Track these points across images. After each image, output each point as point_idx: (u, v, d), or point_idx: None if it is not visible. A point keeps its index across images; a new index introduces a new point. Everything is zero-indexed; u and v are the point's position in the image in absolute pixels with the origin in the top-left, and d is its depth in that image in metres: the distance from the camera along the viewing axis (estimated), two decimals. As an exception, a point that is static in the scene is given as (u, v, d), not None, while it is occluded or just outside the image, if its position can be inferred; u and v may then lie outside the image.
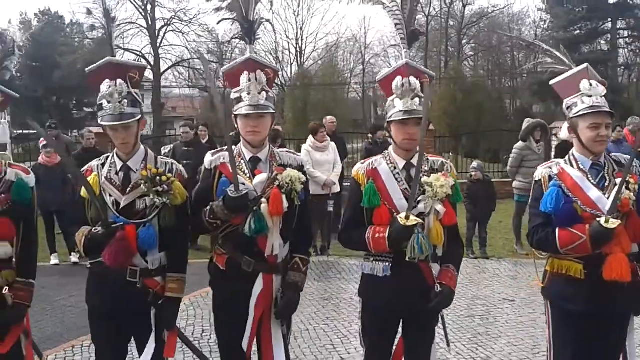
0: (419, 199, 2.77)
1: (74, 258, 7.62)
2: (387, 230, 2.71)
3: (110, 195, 2.84)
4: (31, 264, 3.13)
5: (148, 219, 2.82)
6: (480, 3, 54.15)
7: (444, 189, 2.77)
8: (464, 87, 25.77)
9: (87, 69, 2.97)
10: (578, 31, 30.08)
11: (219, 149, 3.10)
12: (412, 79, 2.78)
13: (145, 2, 22.16)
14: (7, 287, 2.98)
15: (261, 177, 2.87)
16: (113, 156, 2.93)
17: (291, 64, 30.25)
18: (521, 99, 33.21)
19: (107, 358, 2.95)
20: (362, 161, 2.98)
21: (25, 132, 20.00)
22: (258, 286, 2.86)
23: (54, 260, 7.69)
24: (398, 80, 2.78)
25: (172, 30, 24.20)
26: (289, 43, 29.91)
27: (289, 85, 27.83)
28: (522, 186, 7.73)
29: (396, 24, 2.98)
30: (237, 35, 3.79)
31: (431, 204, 2.77)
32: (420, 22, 35.70)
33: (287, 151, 3.10)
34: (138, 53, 23.04)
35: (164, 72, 25.53)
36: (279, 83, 31.10)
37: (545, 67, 3.24)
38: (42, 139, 7.76)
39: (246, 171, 2.89)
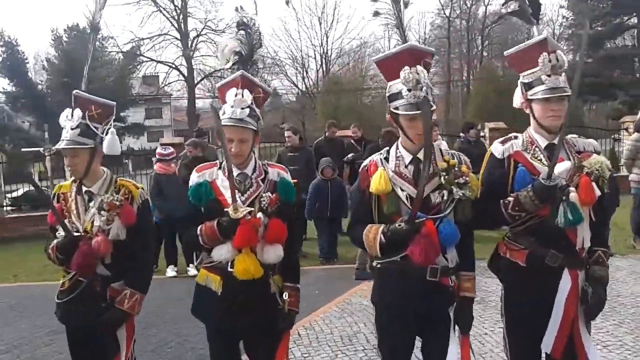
0: None
1: (192, 270, 7.22)
2: None
3: (402, 190, 2.64)
4: (297, 267, 2.98)
5: (445, 214, 2.62)
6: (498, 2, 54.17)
7: None
8: (497, 87, 25.52)
9: (376, 57, 2.78)
10: (602, 27, 29.91)
11: (506, 137, 2.90)
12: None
13: (178, 13, 22.09)
14: (286, 293, 2.81)
15: (565, 165, 2.67)
16: (398, 148, 2.73)
17: (317, 70, 30.17)
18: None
19: (402, 356, 2.76)
20: None
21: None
22: (565, 282, 2.66)
23: (170, 272, 7.47)
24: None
25: (204, 41, 24.12)
26: (314, 50, 29.82)
27: (320, 92, 27.68)
28: (639, 179, 7.51)
29: None
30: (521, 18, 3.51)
31: None
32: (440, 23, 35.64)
33: (578, 136, 2.90)
34: (171, 65, 22.98)
35: (198, 82, 25.42)
36: (305, 90, 31.08)
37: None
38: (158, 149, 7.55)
39: (543, 159, 2.69)
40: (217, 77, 27.18)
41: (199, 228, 2.72)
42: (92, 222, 2.85)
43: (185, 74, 23.14)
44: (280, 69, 28.58)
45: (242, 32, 2.99)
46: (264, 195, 2.75)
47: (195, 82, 24.13)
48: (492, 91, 25.28)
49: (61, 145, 2.85)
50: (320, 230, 7.92)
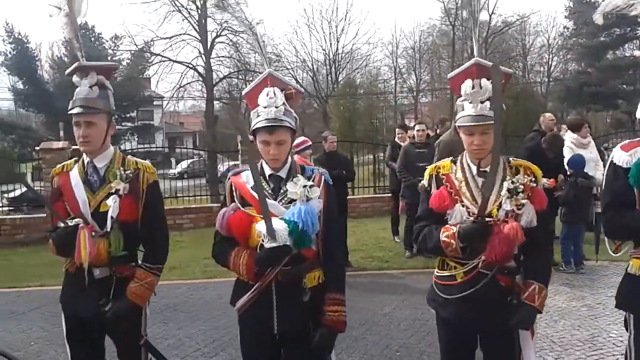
0: None
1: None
2: None
3: None
4: None
5: None
6: (503, 11, 55.51)
7: None
8: (512, 94, 25.62)
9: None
10: (606, 37, 30.37)
11: None
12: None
13: (199, 13, 21.51)
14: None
15: None
16: None
17: (327, 75, 29.90)
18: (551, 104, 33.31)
19: None
20: None
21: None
22: None
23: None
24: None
25: (221, 42, 23.53)
26: (324, 55, 29.62)
27: (334, 95, 27.49)
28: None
29: None
30: None
31: None
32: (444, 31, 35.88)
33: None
34: (190, 65, 22.30)
35: (217, 83, 24.76)
36: (316, 93, 30.88)
37: None
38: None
39: None
40: (236, 78, 26.63)
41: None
42: (498, 206, 2.45)
43: (204, 75, 22.52)
44: (290, 72, 28.28)
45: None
46: None
47: (214, 82, 23.50)
48: (506, 97, 25.36)
49: None
50: None
